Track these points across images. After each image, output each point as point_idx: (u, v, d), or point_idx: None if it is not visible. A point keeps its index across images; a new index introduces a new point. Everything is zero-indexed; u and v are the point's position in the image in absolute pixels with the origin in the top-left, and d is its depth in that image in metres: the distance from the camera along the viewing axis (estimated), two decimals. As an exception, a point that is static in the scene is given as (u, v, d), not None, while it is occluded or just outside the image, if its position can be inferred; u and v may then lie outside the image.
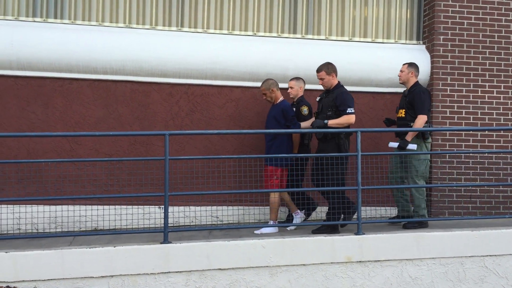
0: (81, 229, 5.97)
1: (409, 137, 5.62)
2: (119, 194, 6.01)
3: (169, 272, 4.85)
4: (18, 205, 5.73)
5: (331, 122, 5.42)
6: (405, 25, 7.00)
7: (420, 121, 5.61)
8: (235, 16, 6.61)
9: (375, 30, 6.93)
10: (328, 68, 5.58)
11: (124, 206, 5.92)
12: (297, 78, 6.13)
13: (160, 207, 6.17)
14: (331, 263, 5.09)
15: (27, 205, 5.71)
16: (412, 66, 5.89)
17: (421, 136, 5.73)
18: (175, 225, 6.18)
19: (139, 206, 6.11)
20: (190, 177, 6.19)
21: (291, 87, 6.10)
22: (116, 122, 6.23)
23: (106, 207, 5.92)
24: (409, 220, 5.70)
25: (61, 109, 6.12)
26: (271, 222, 5.84)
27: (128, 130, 6.23)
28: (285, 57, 6.49)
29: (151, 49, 6.17)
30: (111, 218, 5.79)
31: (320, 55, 6.51)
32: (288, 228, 5.96)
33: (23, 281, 4.61)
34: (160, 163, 5.83)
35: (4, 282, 4.59)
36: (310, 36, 6.77)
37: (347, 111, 5.40)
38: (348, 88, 6.02)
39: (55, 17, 6.15)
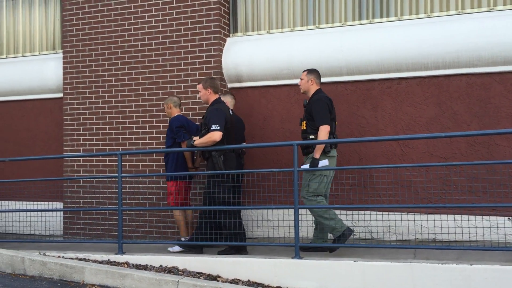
0: (419, 240, 5.50)
1: (316, 154, 5.01)
2: (458, 204, 5.36)
3: (544, 302, 3.90)
4: (355, 212, 5.70)
5: (196, 142, 5.17)
6: None
7: (323, 132, 5.00)
8: None
9: None
10: (205, 82, 5.35)
11: (465, 216, 5.18)
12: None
13: (510, 218, 5.21)
14: None
15: (362, 212, 5.62)
16: (312, 73, 5.23)
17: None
18: (529, 241, 5.12)
19: (484, 217, 5.27)
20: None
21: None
22: (451, 121, 5.57)
23: (444, 216, 5.35)
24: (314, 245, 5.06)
25: (390, 111, 5.82)
26: (182, 239, 5.62)
27: (465, 129, 5.50)
28: None
29: (491, 34, 5.30)
30: (450, 230, 5.17)
31: None
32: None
33: (371, 292, 4.39)
34: (506, 167, 4.95)
35: (353, 291, 4.46)
36: None
37: (211, 128, 5.07)
38: None
39: (381, 16, 5.91)
